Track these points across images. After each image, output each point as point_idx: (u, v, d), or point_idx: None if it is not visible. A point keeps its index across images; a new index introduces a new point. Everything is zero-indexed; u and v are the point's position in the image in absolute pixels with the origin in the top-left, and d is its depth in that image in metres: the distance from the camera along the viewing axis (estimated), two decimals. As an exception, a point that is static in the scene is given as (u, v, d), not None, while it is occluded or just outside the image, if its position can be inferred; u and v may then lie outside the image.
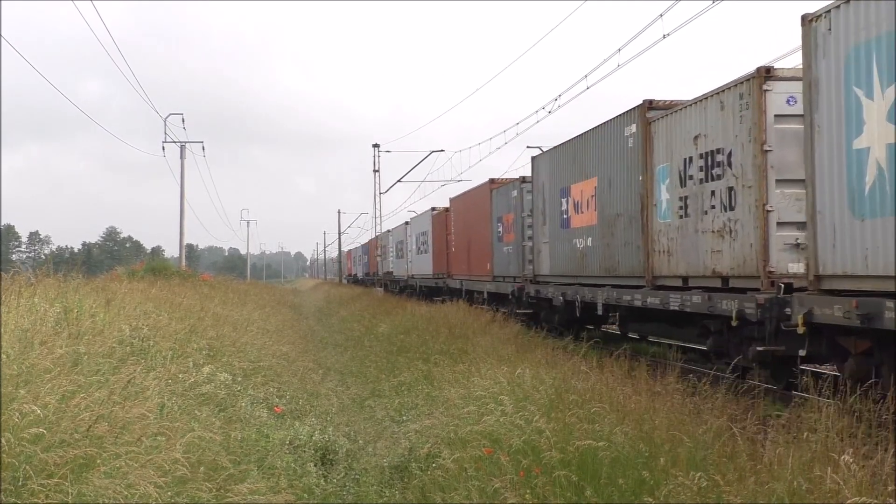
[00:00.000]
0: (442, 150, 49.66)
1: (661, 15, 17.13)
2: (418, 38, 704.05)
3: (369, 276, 71.95)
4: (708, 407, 8.11)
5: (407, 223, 49.18)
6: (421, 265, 43.88)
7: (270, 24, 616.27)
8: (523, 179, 24.38)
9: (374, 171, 54.61)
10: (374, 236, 65.00)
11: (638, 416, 7.58)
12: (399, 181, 53.78)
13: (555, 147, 21.02)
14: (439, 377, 12.61)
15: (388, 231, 58.26)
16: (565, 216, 19.94)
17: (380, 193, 54.73)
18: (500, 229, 26.96)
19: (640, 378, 9.40)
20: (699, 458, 6.43)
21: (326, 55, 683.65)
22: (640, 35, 19.44)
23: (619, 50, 19.14)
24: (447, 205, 39.04)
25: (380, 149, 54.44)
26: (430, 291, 40.39)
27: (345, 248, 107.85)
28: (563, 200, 20.07)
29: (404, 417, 11.22)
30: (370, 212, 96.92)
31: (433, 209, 40.84)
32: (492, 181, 28.62)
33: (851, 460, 5.53)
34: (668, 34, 17.28)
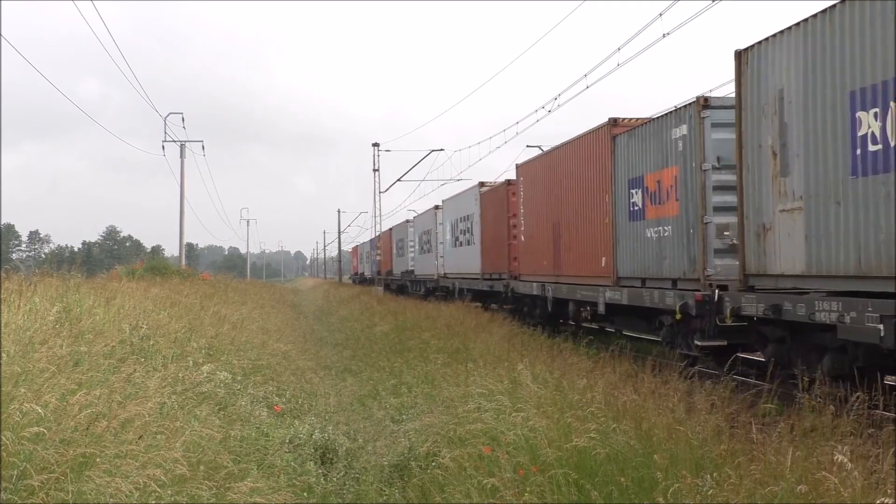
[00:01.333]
0: (442, 150, 49.65)
1: (660, 14, 17.17)
2: (418, 38, 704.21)
3: (381, 276, 59.75)
4: (706, 406, 8.11)
5: (437, 207, 38.28)
6: (460, 261, 33.06)
7: (270, 24, 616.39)
8: (705, 103, 13.34)
9: (374, 170, 54.62)
10: (388, 228, 56.81)
11: (636, 415, 7.60)
12: (399, 180, 53.80)
13: (830, 8, 9.89)
14: (439, 377, 12.64)
15: (408, 221, 48.02)
16: (874, 147, 9.14)
17: (380, 192, 54.74)
18: (638, 199, 15.78)
19: (642, 378, 9.42)
20: (697, 457, 6.44)
21: (326, 55, 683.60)
22: (639, 34, 19.44)
23: (619, 49, 19.20)
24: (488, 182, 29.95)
25: (379, 148, 54.45)
26: (478, 297, 30.22)
27: (348, 246, 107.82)
28: (872, 114, 9.13)
29: (404, 416, 11.24)
30: (370, 211, 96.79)
31: (482, 184, 29.76)
32: (614, 121, 16.81)
33: (847, 459, 5.54)
34: (668, 33, 17.30)
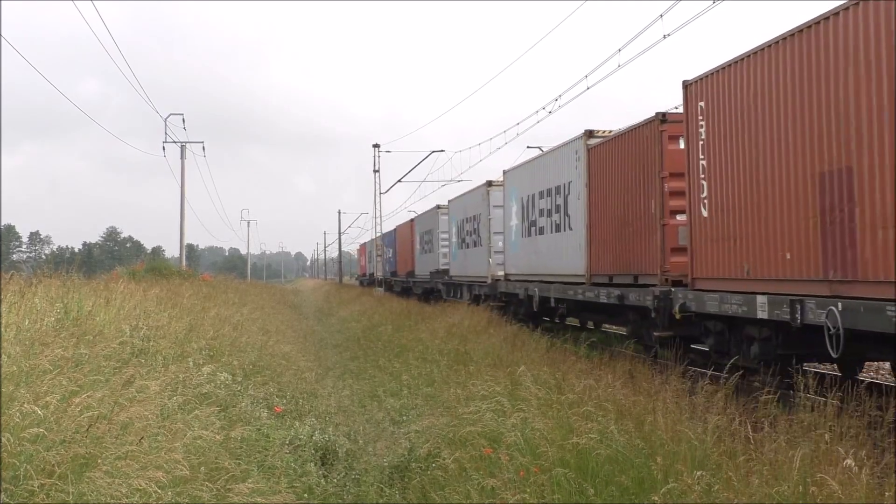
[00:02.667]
0: (442, 151, 49.57)
1: (661, 15, 17.14)
2: (418, 39, 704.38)
3: (398, 277, 50.65)
4: (707, 405, 8.11)
5: (491, 183, 28.34)
6: (541, 257, 21.96)
7: (270, 24, 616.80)
8: None
9: (375, 171, 54.61)
10: (409, 219, 48.49)
11: (637, 415, 7.61)
12: (399, 181, 53.80)
13: None
14: (439, 379, 12.65)
15: (439, 206, 38.05)
16: None
17: (380, 193, 54.73)
18: None
19: (641, 378, 9.43)
20: (699, 458, 6.44)
21: (326, 55, 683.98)
22: (640, 35, 19.36)
23: (620, 50, 19.13)
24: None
25: (380, 149, 54.46)
26: (582, 311, 20.84)
27: (348, 246, 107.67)
28: None
29: (404, 418, 11.24)
30: (370, 212, 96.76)
31: (590, 134, 18.69)
32: None
33: (853, 463, 5.54)
34: (669, 34, 17.26)
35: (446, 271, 35.53)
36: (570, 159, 19.74)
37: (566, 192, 20.03)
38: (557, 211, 20.70)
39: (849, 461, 5.55)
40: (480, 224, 29.32)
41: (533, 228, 22.75)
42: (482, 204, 29.12)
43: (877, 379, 13.22)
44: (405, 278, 47.20)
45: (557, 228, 20.68)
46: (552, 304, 20.74)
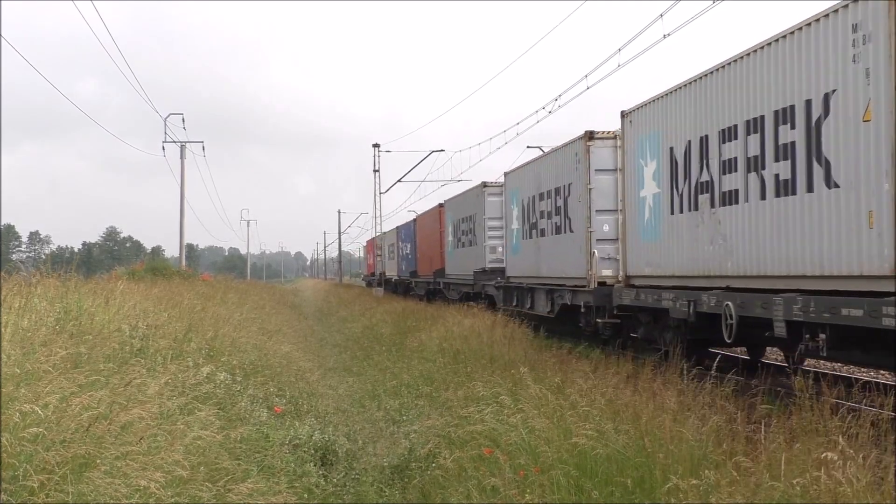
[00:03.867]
0: (442, 150, 49.49)
1: (661, 15, 17.13)
2: (417, 39, 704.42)
3: (421, 278, 40.99)
4: (706, 405, 8.11)
5: (592, 136, 18.22)
6: (734, 246, 12.15)
7: (270, 24, 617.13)
8: None
9: (375, 170, 54.57)
10: (436, 205, 37.56)
11: (635, 415, 7.60)
12: (399, 181, 53.77)
13: None
14: (439, 379, 12.65)
15: (486, 184, 28.43)
16: None
17: (380, 193, 54.70)
18: None
19: (642, 378, 9.42)
20: (698, 457, 6.44)
21: (326, 55, 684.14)
22: (640, 35, 19.34)
23: (620, 50, 19.11)
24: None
25: (380, 149, 54.44)
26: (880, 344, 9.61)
27: (348, 246, 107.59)
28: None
29: (404, 418, 11.24)
30: (370, 212, 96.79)
31: None
32: None
33: (837, 457, 5.54)
34: (669, 34, 17.24)
35: (499, 271, 26.33)
36: (827, 44, 10.02)
37: (817, 117, 10.24)
38: (784, 156, 10.93)
39: (829, 454, 5.55)
40: (570, 200, 19.25)
41: (703, 198, 13.17)
42: (574, 170, 18.97)
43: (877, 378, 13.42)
44: (431, 278, 37.13)
45: (784, 190, 11.00)
46: (780, 332, 10.91)
